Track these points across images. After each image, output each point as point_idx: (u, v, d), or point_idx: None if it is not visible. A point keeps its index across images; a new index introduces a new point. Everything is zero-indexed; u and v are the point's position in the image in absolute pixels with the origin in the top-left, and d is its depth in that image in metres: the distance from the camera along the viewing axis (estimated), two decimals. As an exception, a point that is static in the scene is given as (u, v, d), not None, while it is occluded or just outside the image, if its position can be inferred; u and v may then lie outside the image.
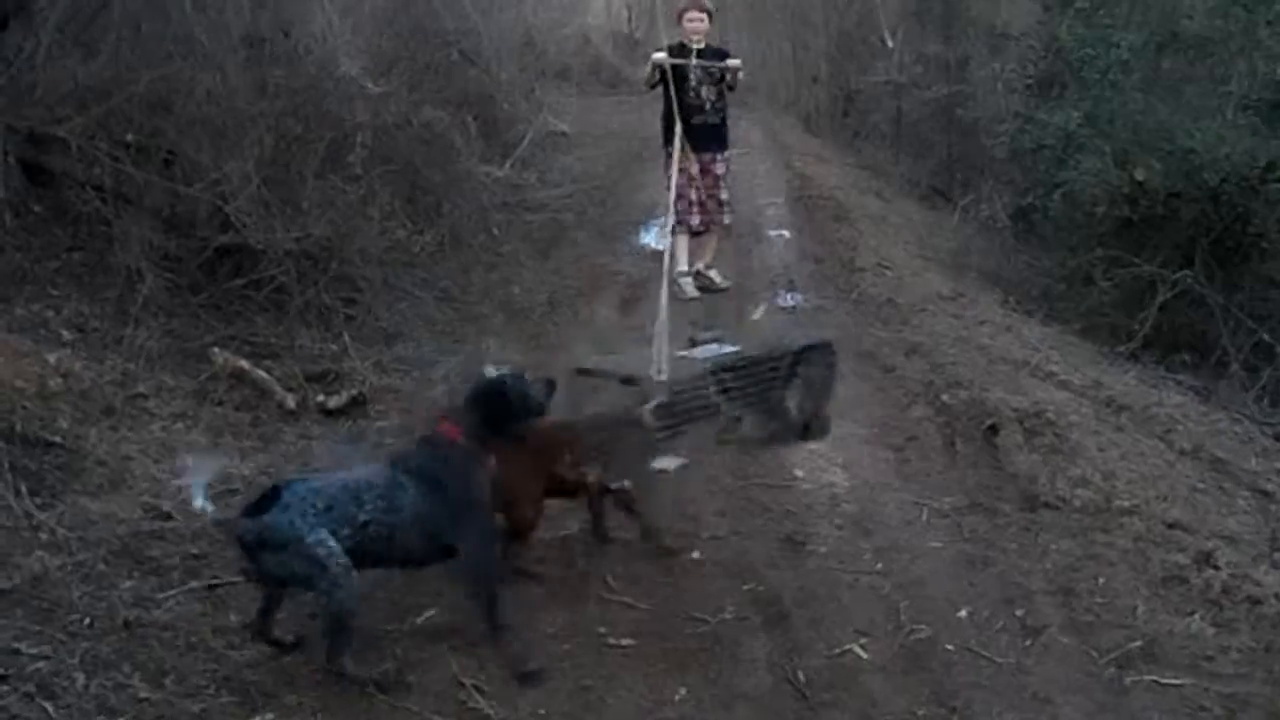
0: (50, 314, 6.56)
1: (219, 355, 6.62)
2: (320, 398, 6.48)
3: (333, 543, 3.74)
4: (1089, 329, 10.41)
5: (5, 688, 3.69)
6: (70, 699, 3.71)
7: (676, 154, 7.83)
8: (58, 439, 5.35)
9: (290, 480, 3.98)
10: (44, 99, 7.00)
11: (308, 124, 8.44)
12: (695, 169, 8.65)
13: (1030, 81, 14.24)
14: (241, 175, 7.36)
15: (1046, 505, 5.48)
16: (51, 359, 5.98)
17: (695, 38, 8.59)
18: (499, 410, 4.17)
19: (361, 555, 3.84)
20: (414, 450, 4.16)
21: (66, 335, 6.42)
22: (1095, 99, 12.19)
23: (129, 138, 7.20)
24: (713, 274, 9.07)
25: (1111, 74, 12.09)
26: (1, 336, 6.02)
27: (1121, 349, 9.79)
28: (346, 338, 7.27)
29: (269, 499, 3.80)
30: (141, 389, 6.20)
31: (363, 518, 3.84)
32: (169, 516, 5.01)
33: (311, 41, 9.65)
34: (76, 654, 3.93)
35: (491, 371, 4.39)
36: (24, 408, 5.37)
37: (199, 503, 3.94)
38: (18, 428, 5.14)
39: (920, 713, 3.97)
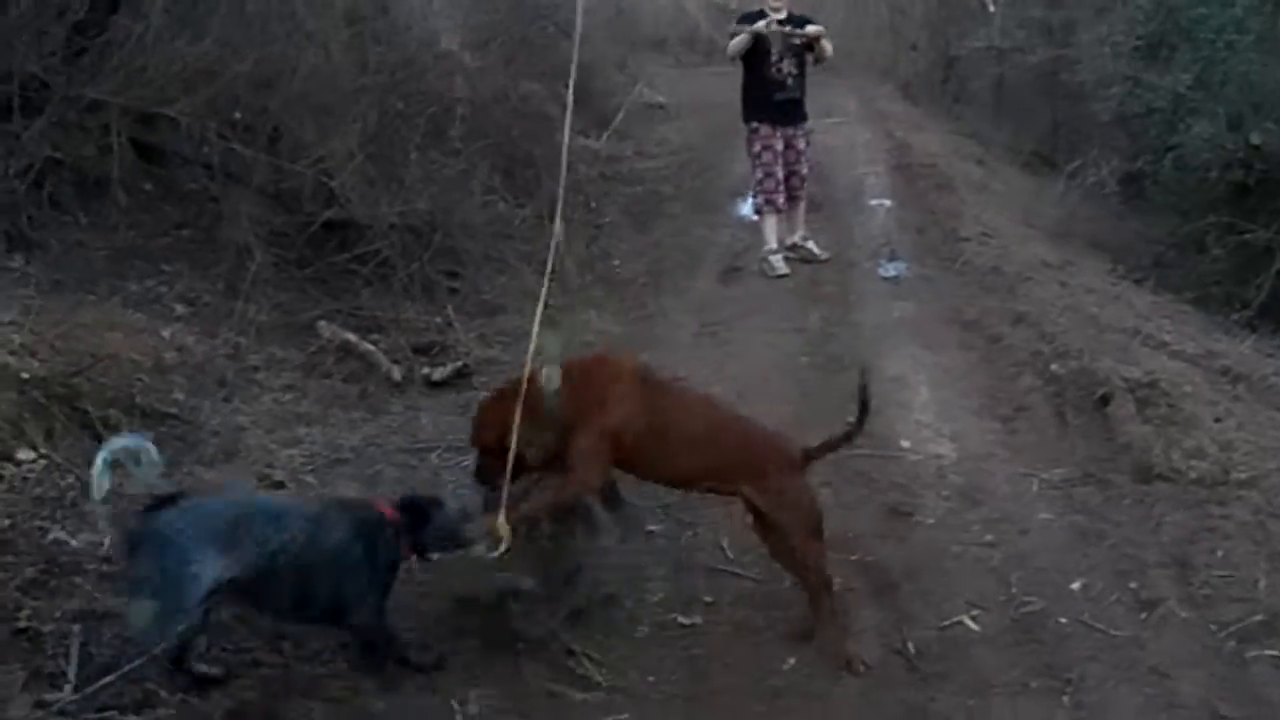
0: (163, 289, 6.72)
1: (326, 328, 6.73)
2: (425, 369, 6.58)
3: (208, 572, 3.50)
4: (1202, 297, 10.16)
5: (132, 650, 3.77)
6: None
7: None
8: (174, 410, 5.50)
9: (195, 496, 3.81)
10: (154, 80, 7.12)
11: (408, 100, 8.54)
12: (781, 144, 8.59)
13: (1139, 43, 13.85)
14: (345, 151, 7.47)
15: (1161, 477, 5.34)
16: (166, 333, 6.13)
17: (775, 6, 8.46)
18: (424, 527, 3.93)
19: (240, 592, 3.65)
20: (342, 510, 3.89)
21: (179, 310, 6.58)
22: (1208, 60, 11.86)
23: (236, 116, 7.32)
24: (810, 245, 8.98)
25: (1225, 33, 11.73)
26: (119, 312, 6.18)
27: (1236, 317, 9.55)
28: (450, 310, 7.35)
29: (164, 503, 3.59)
30: (252, 361, 6.34)
31: (259, 552, 3.58)
32: (282, 485, 5.10)
33: (410, 18, 9.74)
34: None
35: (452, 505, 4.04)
36: (141, 380, 5.51)
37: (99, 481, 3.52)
38: (137, 399, 5.29)
39: (1033, 685, 3.92)
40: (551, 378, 4.09)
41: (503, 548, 3.97)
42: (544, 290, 4.50)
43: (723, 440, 4.15)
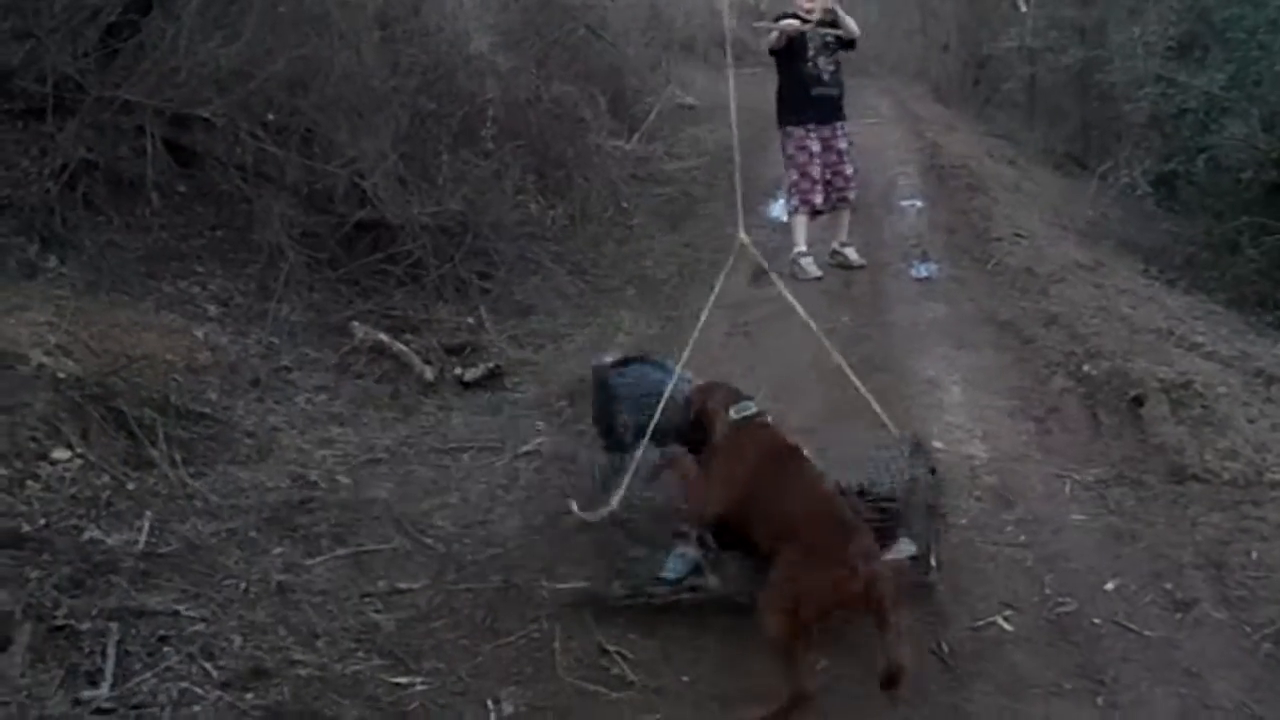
0: (197, 290, 6.78)
1: (359, 329, 6.77)
2: (458, 370, 6.61)
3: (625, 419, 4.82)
4: (1235, 298, 10.07)
5: (168, 649, 3.82)
6: (228, 660, 3.83)
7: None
8: (207, 410, 5.54)
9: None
10: (187, 81, 7.19)
11: (440, 101, 8.58)
12: (817, 145, 8.47)
13: (1171, 44, 13.80)
14: (377, 152, 7.51)
15: (1194, 478, 5.31)
16: (199, 333, 6.18)
17: (808, 8, 8.38)
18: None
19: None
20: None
21: (212, 310, 6.62)
22: (1241, 60, 11.80)
23: (269, 117, 7.38)
24: (849, 252, 8.83)
25: (1260, 34, 11.65)
26: (153, 312, 6.24)
27: (1270, 318, 9.47)
28: (482, 311, 7.38)
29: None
30: (285, 362, 6.38)
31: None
32: (315, 486, 5.13)
33: (442, 19, 9.77)
34: (233, 617, 4.06)
35: None
36: (175, 380, 5.56)
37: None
38: (171, 399, 5.33)
39: (1067, 686, 3.90)
40: (739, 411, 4.29)
41: (602, 513, 4.34)
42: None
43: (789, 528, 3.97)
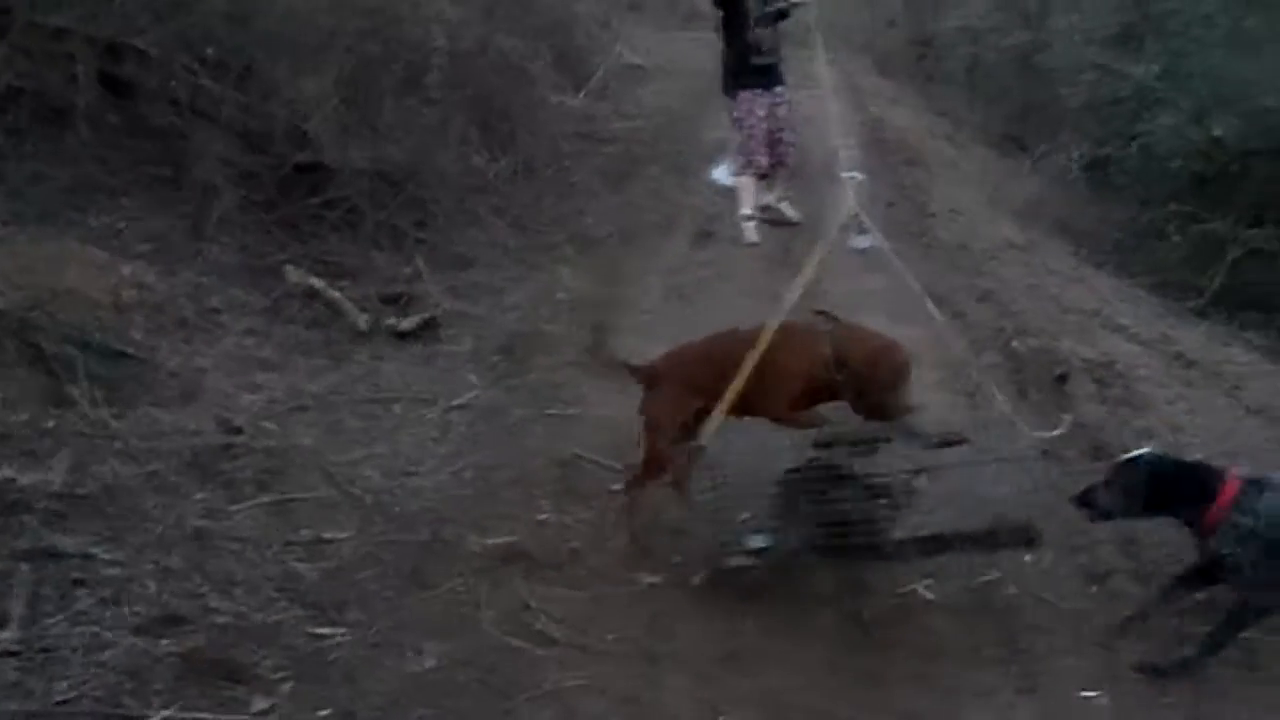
0: (125, 225, 6.60)
1: (292, 273, 6.66)
2: (392, 320, 6.52)
3: None
4: (1160, 283, 10.31)
5: (82, 591, 3.76)
6: (142, 606, 3.77)
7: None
8: (131, 350, 5.42)
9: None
10: (122, 9, 7.00)
11: (386, 46, 8.43)
12: (763, 110, 8.56)
13: (1111, 32, 14.02)
14: (319, 94, 7.37)
15: (1113, 456, 5.42)
16: (126, 271, 6.03)
17: None
18: None
19: None
20: None
21: (141, 248, 6.46)
22: (1175, 53, 12.05)
23: (207, 52, 7.21)
24: (783, 207, 8.94)
25: (1193, 28, 11.89)
26: (77, 247, 6.06)
27: (1191, 304, 9.69)
28: (420, 261, 7.27)
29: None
30: (214, 303, 6.25)
31: None
32: (239, 431, 5.04)
33: (391, -38, 9.61)
34: (148, 561, 3.99)
35: None
36: (98, 318, 5.43)
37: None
38: (94, 336, 5.21)
39: (985, 653, 3.98)
40: None
41: None
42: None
43: None
